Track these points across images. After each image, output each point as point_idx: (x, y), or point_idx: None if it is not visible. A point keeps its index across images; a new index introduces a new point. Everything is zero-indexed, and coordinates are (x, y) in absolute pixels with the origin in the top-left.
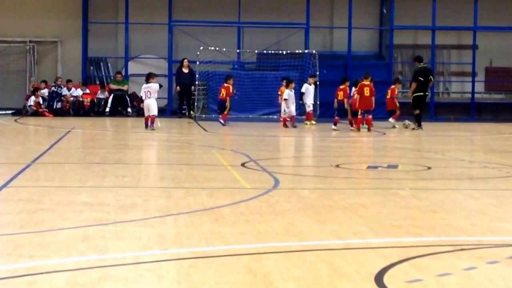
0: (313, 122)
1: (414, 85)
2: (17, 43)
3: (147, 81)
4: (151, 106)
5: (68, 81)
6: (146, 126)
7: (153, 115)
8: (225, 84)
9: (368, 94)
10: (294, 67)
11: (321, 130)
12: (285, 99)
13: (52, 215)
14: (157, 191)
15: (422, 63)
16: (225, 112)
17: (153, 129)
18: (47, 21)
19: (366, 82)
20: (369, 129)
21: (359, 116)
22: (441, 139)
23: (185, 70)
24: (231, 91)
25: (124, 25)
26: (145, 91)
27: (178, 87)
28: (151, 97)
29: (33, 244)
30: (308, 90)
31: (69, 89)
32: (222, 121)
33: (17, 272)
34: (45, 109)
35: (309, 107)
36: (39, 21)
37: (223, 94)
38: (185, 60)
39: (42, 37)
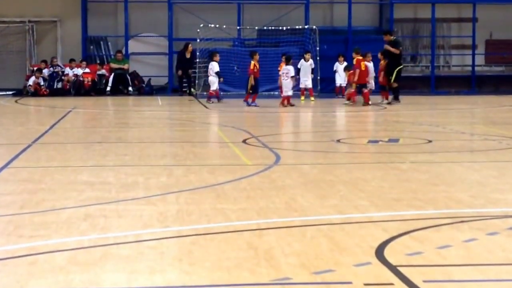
0: (312, 98)
1: (395, 51)
2: (16, 23)
3: (212, 60)
4: (211, 82)
5: (72, 60)
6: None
7: (211, 91)
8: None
9: (364, 69)
10: (294, 43)
11: (322, 105)
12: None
13: (53, 195)
14: (158, 169)
15: (393, 36)
16: (250, 92)
17: (211, 103)
18: (46, 0)
19: (360, 57)
20: (366, 103)
21: (352, 90)
22: (442, 112)
23: (188, 56)
24: (252, 68)
25: (124, 3)
26: (209, 68)
27: (180, 71)
28: (212, 74)
29: (34, 224)
30: (303, 66)
31: (71, 68)
32: (254, 103)
33: (17, 252)
34: (45, 89)
35: (303, 84)
36: (38, 0)
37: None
38: (190, 45)
39: (41, 17)
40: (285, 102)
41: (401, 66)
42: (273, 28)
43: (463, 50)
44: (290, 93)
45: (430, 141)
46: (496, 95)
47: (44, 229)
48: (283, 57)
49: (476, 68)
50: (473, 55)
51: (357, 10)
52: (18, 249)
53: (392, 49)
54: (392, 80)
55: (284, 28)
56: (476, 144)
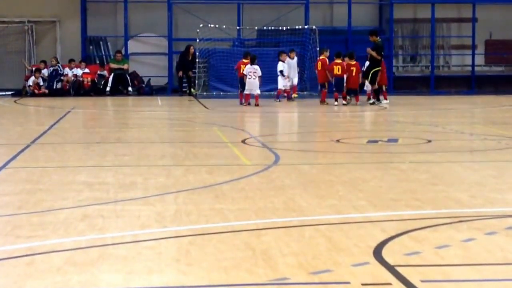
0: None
1: (375, 54)
2: (15, 23)
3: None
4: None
5: (71, 60)
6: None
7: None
8: (244, 60)
9: (320, 68)
10: (294, 43)
11: (321, 105)
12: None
13: (51, 195)
14: (157, 169)
15: (378, 38)
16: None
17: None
18: (45, 0)
19: (322, 57)
20: (322, 102)
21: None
22: (442, 112)
23: (189, 57)
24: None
25: (123, 3)
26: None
27: (181, 72)
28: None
29: (31, 225)
30: (289, 63)
31: (70, 69)
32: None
33: (15, 253)
34: (44, 90)
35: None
36: (37, 0)
37: (243, 70)
38: (192, 48)
39: (40, 17)
40: (243, 100)
41: (378, 69)
42: (273, 28)
43: (463, 50)
44: (258, 91)
45: (429, 141)
46: (496, 95)
47: (42, 230)
48: (248, 57)
49: (476, 68)
50: (473, 55)
51: (357, 10)
52: (15, 249)
53: (373, 54)
54: (368, 81)
55: (284, 28)
56: (475, 144)
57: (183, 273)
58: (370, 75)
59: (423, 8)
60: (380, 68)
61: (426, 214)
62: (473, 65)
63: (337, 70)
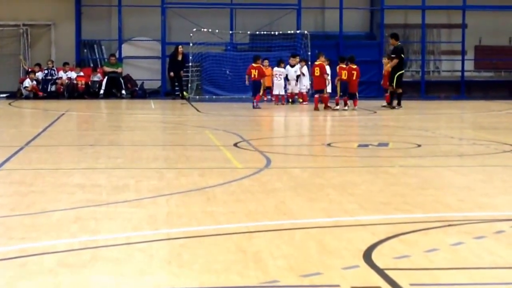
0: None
1: (395, 62)
2: (10, 26)
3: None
4: None
5: (65, 63)
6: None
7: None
8: (254, 65)
9: (318, 74)
10: (286, 48)
11: (313, 109)
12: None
13: (44, 197)
14: (150, 172)
15: (399, 41)
16: (260, 94)
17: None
18: (40, 4)
19: (317, 62)
20: (326, 107)
21: (315, 96)
22: (431, 117)
23: (180, 58)
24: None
25: (117, 7)
26: None
27: (172, 73)
28: None
29: (24, 226)
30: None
31: (65, 72)
32: (255, 102)
33: (8, 254)
34: (39, 91)
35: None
36: (32, 4)
37: (254, 76)
38: (180, 48)
39: (35, 20)
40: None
41: (402, 72)
42: (265, 32)
43: (453, 55)
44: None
45: (419, 146)
46: (485, 100)
47: (35, 231)
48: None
49: (466, 74)
50: (463, 60)
51: (348, 16)
52: (8, 251)
53: (392, 61)
54: (394, 86)
55: (276, 33)
56: (464, 148)
57: (175, 275)
58: (395, 79)
59: (414, 14)
60: (403, 71)
61: (415, 218)
62: (462, 71)
63: (344, 75)
